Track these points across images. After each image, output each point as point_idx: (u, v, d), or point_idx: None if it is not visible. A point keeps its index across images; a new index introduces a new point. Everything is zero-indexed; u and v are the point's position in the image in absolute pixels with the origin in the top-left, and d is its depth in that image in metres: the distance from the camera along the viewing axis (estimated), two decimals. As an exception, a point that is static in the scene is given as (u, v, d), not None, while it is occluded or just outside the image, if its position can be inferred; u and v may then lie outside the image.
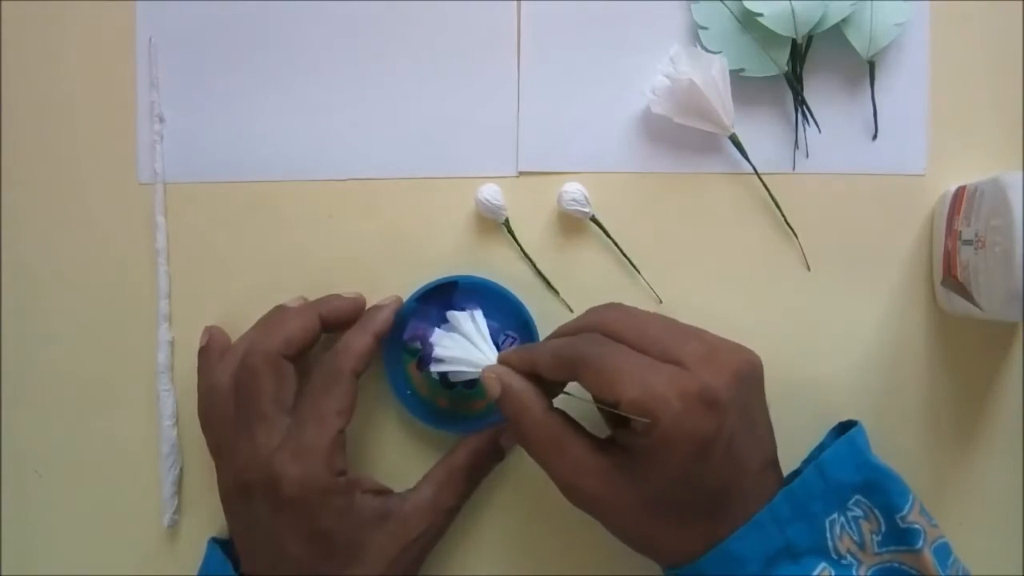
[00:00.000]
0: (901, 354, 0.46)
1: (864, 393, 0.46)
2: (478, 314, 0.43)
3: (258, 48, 0.47)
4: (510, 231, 0.46)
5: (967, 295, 0.41)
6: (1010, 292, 0.37)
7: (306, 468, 0.40)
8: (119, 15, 0.47)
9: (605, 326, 0.38)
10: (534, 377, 0.39)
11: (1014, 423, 0.46)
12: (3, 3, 0.48)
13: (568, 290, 0.46)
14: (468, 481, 0.44)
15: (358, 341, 0.42)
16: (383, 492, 0.42)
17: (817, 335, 0.46)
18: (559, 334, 0.41)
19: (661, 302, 0.46)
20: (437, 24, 0.46)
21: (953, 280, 0.43)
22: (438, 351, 0.42)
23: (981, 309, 0.40)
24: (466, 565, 0.47)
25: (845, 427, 0.43)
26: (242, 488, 0.41)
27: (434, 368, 0.42)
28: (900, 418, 0.46)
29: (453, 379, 0.43)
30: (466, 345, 0.42)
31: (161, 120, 0.47)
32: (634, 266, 0.46)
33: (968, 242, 0.41)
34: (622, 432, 0.38)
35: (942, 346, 0.46)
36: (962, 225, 0.42)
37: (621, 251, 0.46)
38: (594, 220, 0.46)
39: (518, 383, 0.39)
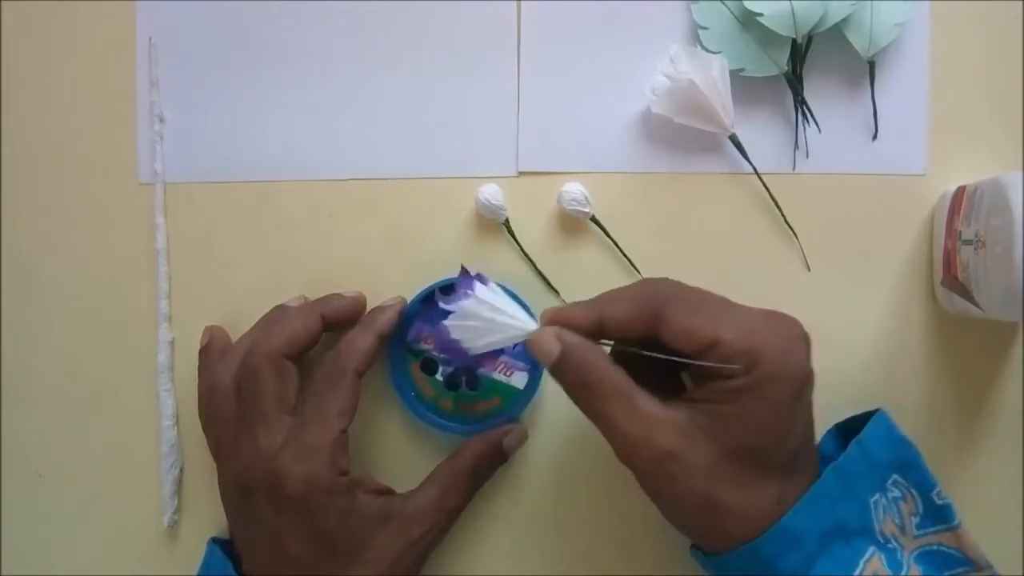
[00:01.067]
0: (901, 354, 0.46)
1: (864, 393, 0.46)
2: (492, 284, 0.39)
3: (258, 48, 0.47)
4: (510, 231, 0.46)
5: (967, 295, 0.41)
6: (1010, 292, 0.37)
7: (309, 468, 0.40)
8: (119, 15, 0.47)
9: (667, 291, 0.37)
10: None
11: (1014, 423, 0.46)
12: (3, 3, 0.48)
13: (568, 290, 0.46)
14: (471, 483, 0.44)
15: (361, 341, 0.42)
16: (385, 492, 0.42)
17: (817, 335, 0.46)
18: (608, 300, 0.38)
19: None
20: (437, 24, 0.46)
21: (953, 280, 0.43)
22: (465, 342, 0.38)
23: (981, 309, 0.40)
24: (467, 565, 0.47)
25: (843, 427, 0.43)
26: (244, 488, 0.41)
27: (475, 352, 0.38)
28: (900, 418, 0.46)
29: (478, 350, 0.39)
30: (494, 319, 0.38)
31: (161, 120, 0.47)
32: (634, 266, 0.46)
33: (968, 242, 0.41)
34: (698, 385, 0.37)
35: (942, 346, 0.46)
36: (962, 225, 0.42)
37: (621, 251, 0.46)
38: (594, 220, 0.46)
39: (576, 338, 0.37)
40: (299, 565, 0.40)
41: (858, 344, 0.46)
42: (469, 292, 0.37)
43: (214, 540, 0.45)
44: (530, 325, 0.37)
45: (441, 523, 0.43)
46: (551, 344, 0.37)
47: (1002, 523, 0.46)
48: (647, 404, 0.36)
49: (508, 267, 0.46)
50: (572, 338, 0.37)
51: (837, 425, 0.43)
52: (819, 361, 0.46)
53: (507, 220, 0.46)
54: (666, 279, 0.39)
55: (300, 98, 0.47)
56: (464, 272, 0.39)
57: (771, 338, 0.35)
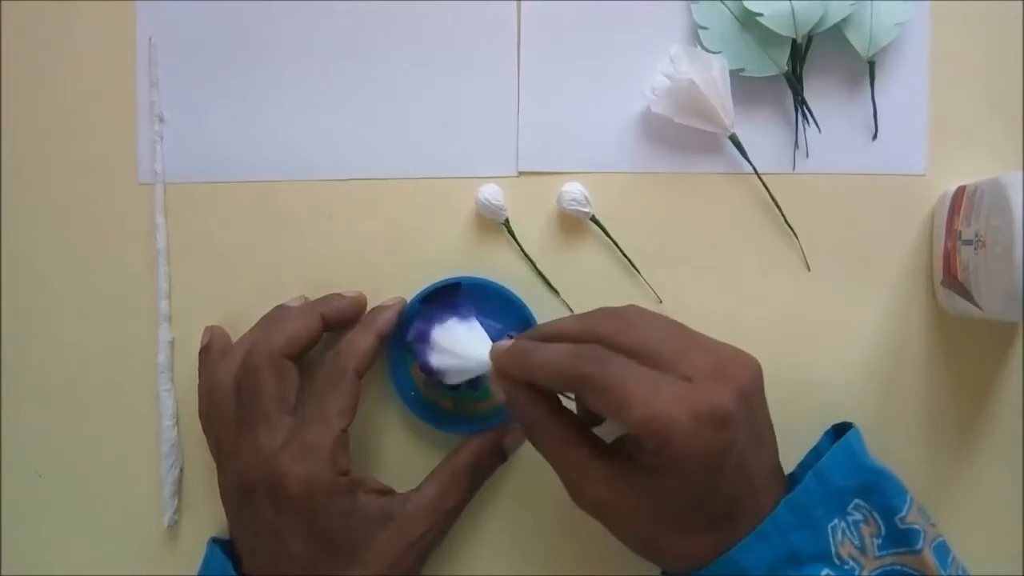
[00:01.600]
0: (901, 354, 0.46)
1: (864, 393, 0.46)
2: (473, 322, 0.43)
3: (258, 48, 0.47)
4: (510, 231, 0.46)
5: (967, 295, 0.41)
6: (1010, 292, 0.37)
7: (309, 468, 0.40)
8: (119, 15, 0.47)
9: (607, 338, 0.37)
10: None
11: (1014, 423, 0.46)
12: (3, 3, 0.48)
13: (568, 290, 0.46)
14: (471, 482, 0.44)
15: (361, 341, 0.42)
16: (386, 492, 0.42)
17: (817, 335, 0.46)
18: (557, 335, 0.39)
19: (661, 302, 0.46)
20: (437, 24, 0.46)
21: (953, 280, 0.43)
22: (435, 358, 0.42)
23: (981, 309, 0.40)
24: (469, 566, 0.47)
25: (840, 428, 0.43)
26: (244, 488, 0.41)
27: (435, 363, 0.42)
28: (900, 418, 0.46)
29: (450, 381, 0.43)
30: (464, 346, 0.42)
31: (161, 120, 0.47)
32: (634, 266, 0.46)
33: (968, 242, 0.41)
34: (631, 442, 0.38)
35: (942, 346, 0.46)
36: (962, 225, 0.42)
37: (621, 251, 0.46)
38: (594, 220, 0.46)
39: (521, 389, 0.39)
40: (299, 565, 0.40)
41: (858, 344, 0.46)
42: (432, 327, 0.43)
43: (214, 540, 0.45)
44: (483, 362, 0.41)
45: (441, 523, 0.43)
46: (499, 392, 0.41)
47: (1002, 523, 0.46)
48: (583, 454, 0.38)
49: (508, 267, 0.46)
50: (518, 389, 0.39)
51: (835, 425, 0.43)
52: (819, 361, 0.46)
53: (507, 220, 0.46)
54: (610, 316, 0.39)
55: (300, 98, 0.47)
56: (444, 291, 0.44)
57: (681, 420, 0.34)
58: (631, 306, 0.40)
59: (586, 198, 0.45)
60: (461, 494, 0.44)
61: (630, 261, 0.46)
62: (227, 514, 0.44)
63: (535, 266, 0.46)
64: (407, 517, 0.42)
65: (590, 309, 0.46)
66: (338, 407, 0.41)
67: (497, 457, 0.45)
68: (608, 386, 0.35)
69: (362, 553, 0.41)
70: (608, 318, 0.39)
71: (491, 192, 0.45)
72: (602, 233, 0.46)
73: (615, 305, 0.40)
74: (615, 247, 0.46)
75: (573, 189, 0.45)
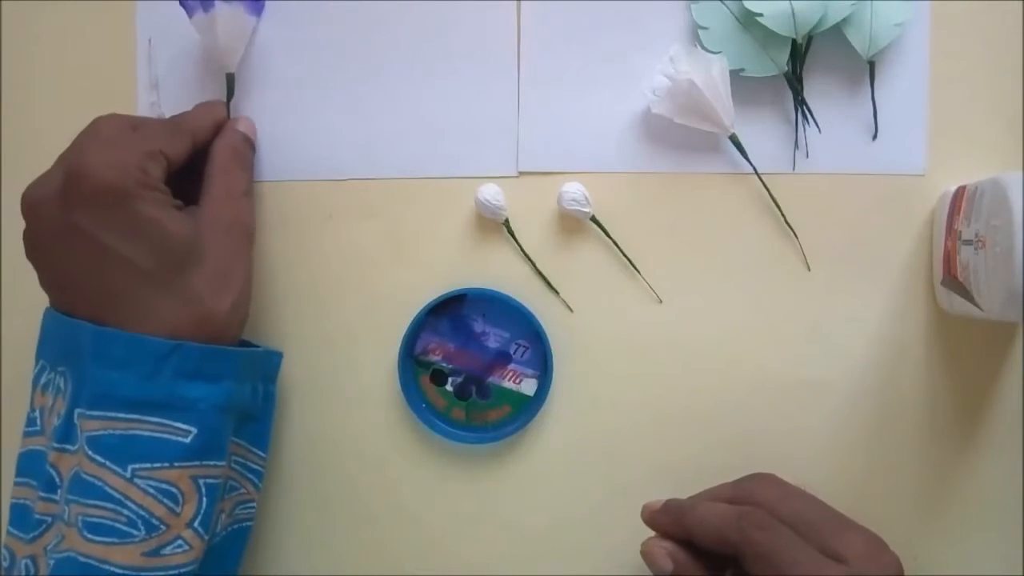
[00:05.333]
0: (901, 354, 0.46)
1: (864, 393, 0.46)
2: None
3: (258, 48, 0.47)
4: (510, 231, 0.46)
5: (967, 295, 0.41)
6: (1010, 292, 0.37)
7: (114, 156, 0.38)
8: (119, 16, 0.47)
9: (768, 503, 0.38)
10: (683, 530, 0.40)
11: (1014, 423, 0.46)
12: (3, 3, 0.48)
13: (568, 290, 0.46)
14: (243, 168, 0.44)
15: (206, 112, 0.44)
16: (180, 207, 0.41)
17: (817, 335, 0.46)
18: (713, 497, 0.41)
19: (661, 302, 0.46)
20: (437, 24, 0.46)
21: (953, 280, 0.43)
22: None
23: (981, 309, 0.40)
24: (468, 565, 0.47)
25: None
26: (42, 201, 0.39)
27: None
28: (900, 418, 0.46)
29: None
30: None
31: (161, 120, 0.47)
32: (634, 266, 0.46)
33: (968, 242, 0.41)
34: None
35: (942, 346, 0.46)
36: (962, 225, 0.42)
37: (621, 251, 0.46)
38: (594, 220, 0.46)
39: (685, 558, 0.39)
40: (124, 271, 0.39)
41: (858, 344, 0.46)
42: None
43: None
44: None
45: (243, 208, 0.43)
46: (663, 561, 0.40)
47: (1002, 523, 0.46)
48: None
49: (508, 267, 0.46)
50: (682, 558, 0.39)
51: None
52: (819, 361, 0.46)
53: (507, 220, 0.46)
54: (767, 482, 0.40)
55: (300, 98, 0.47)
56: None
57: None
58: (774, 475, 0.41)
59: (586, 198, 0.45)
60: (242, 179, 0.44)
61: (630, 261, 0.46)
62: (42, 261, 0.41)
63: (535, 266, 0.46)
64: (214, 210, 0.41)
65: (590, 310, 0.46)
66: (154, 133, 0.41)
67: (244, 137, 0.45)
68: (774, 556, 0.36)
69: (192, 250, 0.40)
70: (768, 484, 0.40)
71: (491, 192, 0.45)
72: (602, 233, 0.46)
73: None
74: (615, 247, 0.46)
75: (573, 189, 0.45)
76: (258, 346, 0.45)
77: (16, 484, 0.41)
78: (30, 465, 0.41)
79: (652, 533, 0.41)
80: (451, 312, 0.46)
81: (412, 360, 0.46)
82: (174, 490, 0.38)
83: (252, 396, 0.43)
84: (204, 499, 0.39)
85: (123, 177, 0.38)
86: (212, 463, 0.39)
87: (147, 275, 0.39)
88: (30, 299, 0.48)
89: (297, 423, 0.47)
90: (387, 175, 0.47)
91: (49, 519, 0.39)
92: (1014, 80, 0.45)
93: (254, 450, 0.44)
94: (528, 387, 0.46)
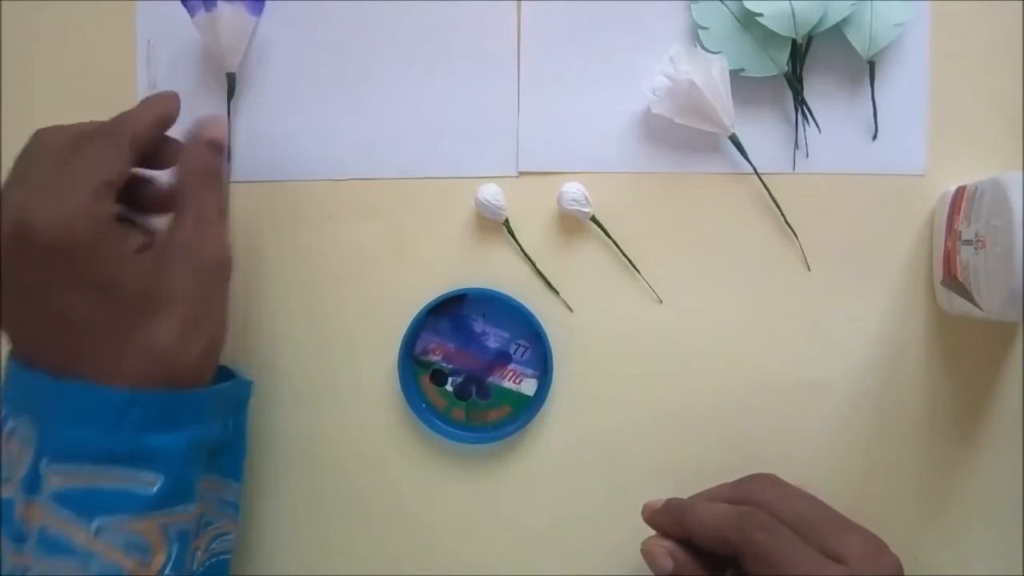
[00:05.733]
0: (901, 354, 0.46)
1: (864, 393, 0.46)
2: None
3: (258, 49, 0.47)
4: (510, 231, 0.46)
5: (967, 295, 0.41)
6: (1010, 292, 0.37)
7: (62, 210, 0.35)
8: (119, 16, 0.47)
9: (764, 505, 0.38)
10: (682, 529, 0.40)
11: (1014, 423, 0.46)
12: (3, 3, 0.48)
13: (568, 290, 0.46)
14: (210, 182, 0.40)
15: (143, 113, 0.39)
16: (149, 232, 0.39)
17: (817, 335, 0.46)
18: (712, 497, 0.41)
19: (661, 302, 0.46)
20: (437, 24, 0.46)
21: (953, 280, 0.43)
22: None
23: (981, 309, 0.40)
24: (468, 565, 0.47)
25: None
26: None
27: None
28: (900, 418, 0.46)
29: None
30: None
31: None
32: (634, 266, 0.46)
33: (968, 242, 0.41)
34: None
35: (942, 346, 0.46)
36: (962, 225, 0.42)
37: (621, 251, 0.46)
38: (594, 220, 0.46)
39: (685, 557, 0.39)
40: (83, 322, 0.36)
41: (858, 344, 0.46)
42: None
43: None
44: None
45: (216, 235, 0.39)
46: (663, 560, 0.40)
47: (1002, 523, 0.46)
48: None
49: (508, 267, 0.46)
50: (680, 555, 0.39)
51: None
52: (819, 361, 0.46)
53: (507, 220, 0.46)
54: (767, 482, 0.41)
55: (300, 99, 0.47)
56: None
57: None
58: (774, 476, 0.41)
59: (586, 198, 0.45)
60: (212, 197, 0.40)
61: (630, 261, 0.46)
62: None
63: (535, 265, 0.46)
64: (184, 242, 0.38)
65: (590, 310, 0.46)
66: (96, 155, 0.37)
67: (216, 150, 0.41)
68: (773, 556, 0.36)
69: (156, 297, 0.37)
70: (768, 485, 0.40)
71: (491, 192, 0.45)
72: (602, 233, 0.46)
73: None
74: (615, 247, 0.46)
75: (573, 189, 0.45)
76: (229, 374, 0.43)
77: None
78: (1, 513, 0.38)
79: (652, 532, 0.41)
80: (451, 312, 0.46)
81: (412, 360, 0.46)
82: (143, 541, 0.36)
83: (221, 431, 0.41)
84: (174, 546, 0.37)
85: (70, 233, 0.35)
86: (180, 509, 0.38)
87: (105, 328, 0.37)
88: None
89: (297, 423, 0.47)
90: (387, 175, 0.47)
91: (20, 572, 0.37)
92: (1014, 80, 0.45)
93: (228, 482, 0.42)
94: (528, 387, 0.46)
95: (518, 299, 0.45)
